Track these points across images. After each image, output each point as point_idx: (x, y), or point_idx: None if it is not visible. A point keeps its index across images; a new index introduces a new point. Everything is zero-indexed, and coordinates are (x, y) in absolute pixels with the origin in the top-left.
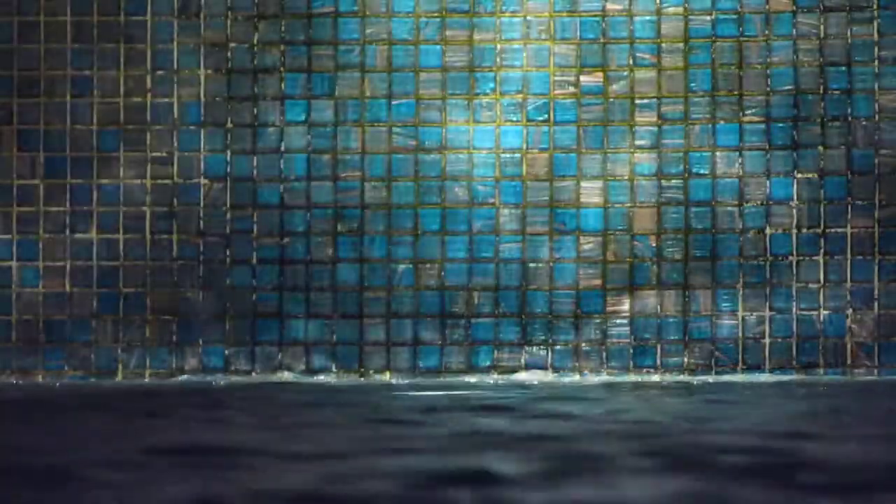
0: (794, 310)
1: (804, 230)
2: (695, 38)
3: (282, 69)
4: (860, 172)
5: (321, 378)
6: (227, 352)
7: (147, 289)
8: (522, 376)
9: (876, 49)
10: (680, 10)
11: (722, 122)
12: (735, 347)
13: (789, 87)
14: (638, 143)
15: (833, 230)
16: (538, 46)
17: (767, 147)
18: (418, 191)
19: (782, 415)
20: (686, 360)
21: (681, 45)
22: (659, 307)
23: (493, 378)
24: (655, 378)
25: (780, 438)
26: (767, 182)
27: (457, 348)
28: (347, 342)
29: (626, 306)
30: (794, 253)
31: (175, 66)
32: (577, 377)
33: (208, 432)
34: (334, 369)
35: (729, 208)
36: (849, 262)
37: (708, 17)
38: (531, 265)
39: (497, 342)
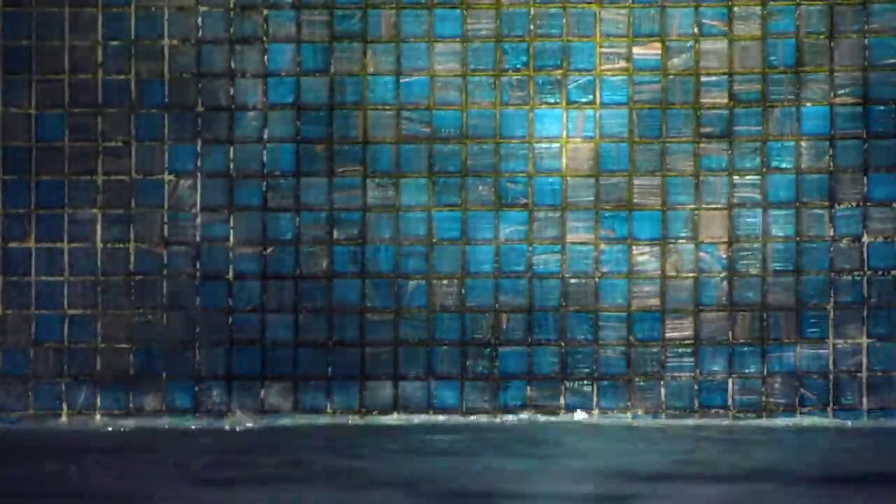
0: None
1: None
2: (775, 1)
3: (265, 39)
4: None
5: (314, 419)
6: (196, 388)
7: (98, 310)
8: (562, 417)
9: None
10: None
11: (808, 105)
12: (825, 383)
13: (892, 61)
14: (704, 130)
15: None
16: (581, 10)
17: (865, 135)
18: (433, 189)
19: None
20: (764, 398)
21: (758, 8)
22: (730, 333)
23: (525, 418)
24: (726, 422)
25: None
26: (865, 178)
27: (480, 383)
28: (346, 375)
29: (689, 332)
30: None
31: (132, 34)
32: (627, 419)
33: None
34: (329, 409)
35: (817, 211)
36: None
37: None
38: (572, 281)
39: (530, 376)
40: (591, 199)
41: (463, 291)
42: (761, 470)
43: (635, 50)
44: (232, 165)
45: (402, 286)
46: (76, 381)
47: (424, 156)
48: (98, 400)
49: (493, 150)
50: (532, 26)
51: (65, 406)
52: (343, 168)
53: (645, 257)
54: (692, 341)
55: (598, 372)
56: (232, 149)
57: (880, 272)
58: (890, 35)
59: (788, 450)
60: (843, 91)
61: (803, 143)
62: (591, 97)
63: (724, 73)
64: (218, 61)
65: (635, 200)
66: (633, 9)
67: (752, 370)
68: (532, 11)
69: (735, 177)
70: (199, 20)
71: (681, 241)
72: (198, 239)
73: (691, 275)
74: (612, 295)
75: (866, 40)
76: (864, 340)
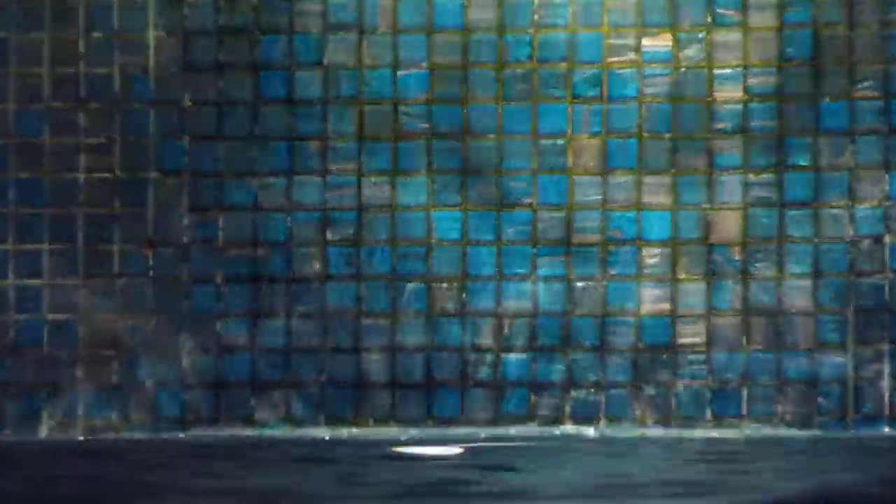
0: None
1: None
2: None
3: (255, 30)
4: None
5: (307, 431)
6: (184, 397)
7: (80, 315)
8: (567, 428)
9: None
10: None
11: (827, 99)
12: (843, 392)
13: None
14: (717, 125)
15: None
16: (587, 0)
17: (886, 129)
18: (432, 188)
19: None
20: (780, 407)
21: None
22: (744, 339)
23: (529, 430)
24: (743, 431)
25: None
26: (886, 176)
27: (482, 392)
28: (340, 383)
29: (701, 338)
30: None
31: (116, 26)
32: (637, 430)
33: None
34: (323, 420)
35: (836, 210)
36: None
37: None
38: (578, 284)
39: (534, 384)
40: (598, 198)
41: (464, 295)
42: (776, 487)
43: (644, 41)
44: (221, 163)
45: (400, 290)
46: (57, 390)
47: (423, 153)
48: (80, 410)
49: (495, 147)
50: (536, 16)
51: (45, 416)
52: (337, 165)
53: (655, 259)
54: (704, 348)
55: (605, 379)
56: (221, 146)
57: None
58: None
59: (803, 462)
60: (863, 84)
61: (821, 140)
62: (597, 91)
63: (739, 66)
64: (206, 54)
65: (644, 200)
66: None
67: (766, 378)
68: (536, 1)
69: (750, 175)
70: (186, 10)
71: (692, 242)
72: (185, 240)
73: (703, 277)
74: (620, 299)
75: (887, 31)
76: (886, 346)
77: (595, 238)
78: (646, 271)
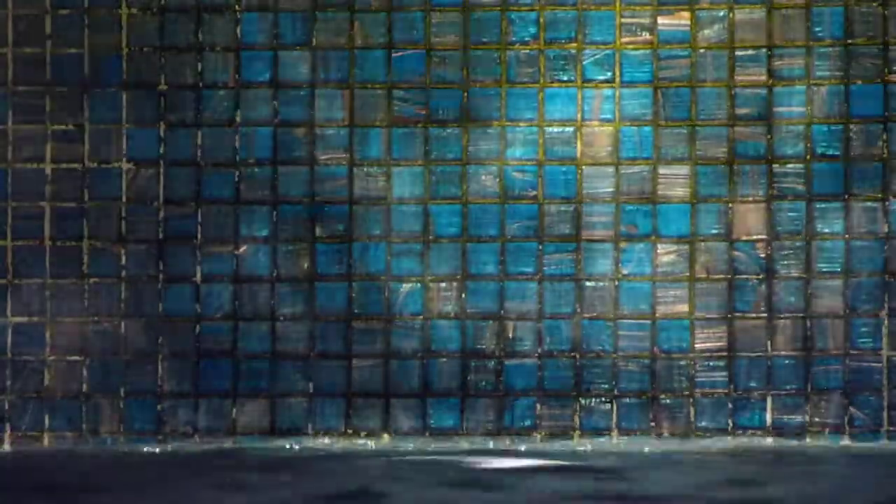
0: None
1: None
2: None
3: (237, 7)
4: None
5: (292, 443)
6: (159, 406)
7: (47, 318)
8: (578, 442)
9: None
10: None
11: (859, 83)
12: (878, 401)
13: None
14: (740, 111)
15: None
16: None
17: None
18: (429, 179)
19: None
20: (808, 418)
21: None
22: (769, 344)
23: (535, 443)
24: (767, 442)
25: None
26: None
27: (483, 401)
28: (329, 392)
29: (722, 342)
30: None
31: (85, 1)
32: (653, 442)
33: None
34: (310, 430)
35: (868, 203)
36: None
37: None
38: (588, 284)
39: (540, 392)
40: (611, 190)
41: (463, 296)
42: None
43: (660, 20)
44: (199, 152)
45: (395, 290)
46: (22, 399)
47: (419, 141)
48: (46, 420)
49: (497, 135)
50: None
51: (8, 427)
52: (326, 155)
53: (671, 257)
54: (725, 353)
55: (618, 388)
56: (199, 133)
57: None
58: None
59: (834, 478)
60: None
61: (853, 127)
62: (609, 74)
63: (763, 47)
64: (183, 33)
65: (660, 192)
66: None
67: (793, 386)
68: None
69: (775, 165)
70: None
71: (712, 238)
72: (161, 236)
73: (724, 277)
74: (633, 300)
75: None
76: None
77: (606, 234)
78: (661, 270)
